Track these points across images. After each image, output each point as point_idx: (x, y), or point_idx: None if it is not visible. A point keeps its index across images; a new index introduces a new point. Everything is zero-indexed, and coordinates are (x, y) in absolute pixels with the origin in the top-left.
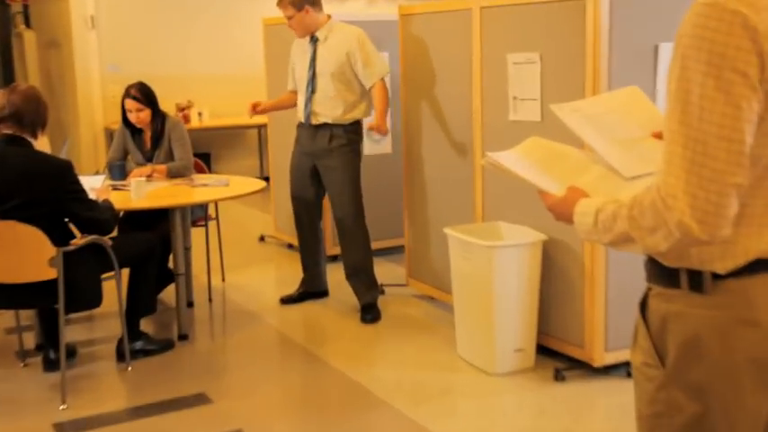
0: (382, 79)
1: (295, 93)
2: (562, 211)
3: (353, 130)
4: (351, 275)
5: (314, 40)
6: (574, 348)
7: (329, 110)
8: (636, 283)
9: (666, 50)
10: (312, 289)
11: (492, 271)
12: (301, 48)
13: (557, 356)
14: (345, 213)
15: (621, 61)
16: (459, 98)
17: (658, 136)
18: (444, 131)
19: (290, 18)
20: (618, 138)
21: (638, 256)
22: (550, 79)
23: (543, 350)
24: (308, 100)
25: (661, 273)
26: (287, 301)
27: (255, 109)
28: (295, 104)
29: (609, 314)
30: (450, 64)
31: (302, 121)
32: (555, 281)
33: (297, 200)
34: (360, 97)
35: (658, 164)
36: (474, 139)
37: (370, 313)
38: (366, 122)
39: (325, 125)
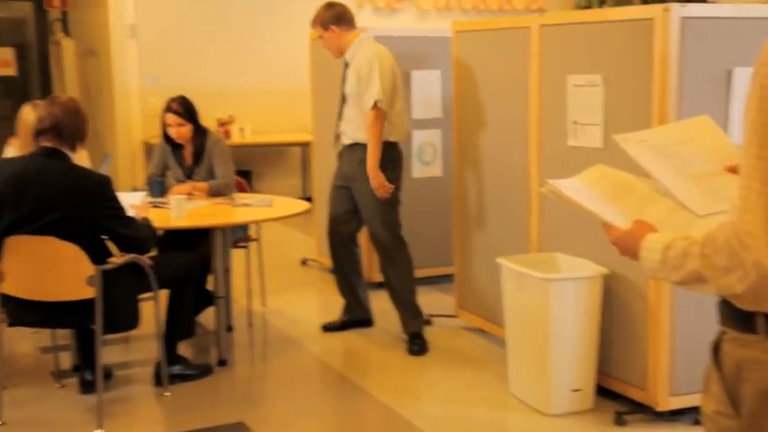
0: (376, 106)
1: None
2: (627, 246)
3: (387, 151)
4: (395, 301)
5: (345, 63)
6: (636, 391)
7: (354, 131)
8: (705, 323)
9: (741, 76)
10: (355, 317)
11: (548, 305)
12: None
13: (617, 398)
14: (380, 238)
15: (692, 86)
16: (515, 121)
17: (732, 170)
18: (498, 155)
19: (320, 38)
20: (689, 172)
21: (707, 295)
22: (614, 103)
23: (603, 391)
24: (338, 120)
25: (736, 316)
26: (330, 328)
27: None
28: None
29: (675, 355)
30: (507, 84)
31: (340, 140)
32: (616, 318)
33: (334, 217)
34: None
35: (733, 200)
36: (530, 164)
37: (415, 344)
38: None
39: (355, 146)
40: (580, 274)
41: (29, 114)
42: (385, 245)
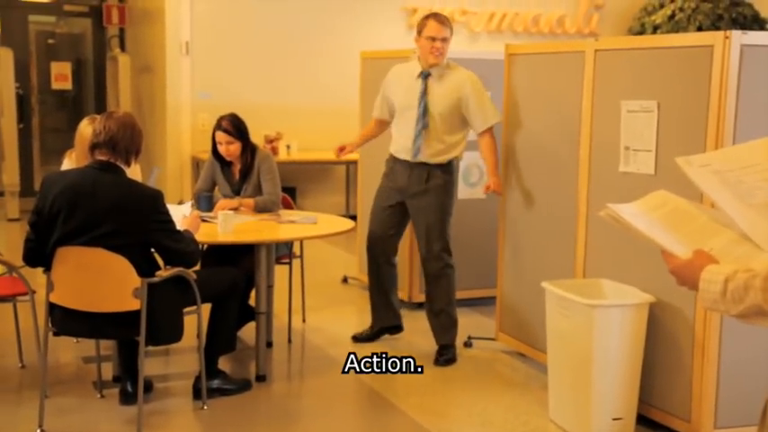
0: (491, 128)
1: (383, 121)
2: (686, 276)
3: (450, 171)
4: (431, 315)
5: (424, 76)
6: (679, 422)
7: (431, 149)
8: (753, 355)
9: None
10: (386, 324)
11: (592, 332)
12: (405, 79)
13: (659, 429)
14: (435, 253)
15: (749, 116)
16: (566, 144)
17: None
18: (547, 178)
19: (444, 41)
20: (753, 201)
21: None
22: (668, 130)
23: (644, 421)
24: (418, 136)
25: None
26: (360, 339)
27: (343, 151)
28: (381, 132)
29: (721, 387)
30: (559, 108)
31: (399, 156)
32: (661, 347)
33: (376, 235)
34: (459, 139)
35: None
36: (579, 188)
37: (444, 354)
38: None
39: (424, 164)
40: (626, 300)
41: (86, 128)
42: (440, 259)
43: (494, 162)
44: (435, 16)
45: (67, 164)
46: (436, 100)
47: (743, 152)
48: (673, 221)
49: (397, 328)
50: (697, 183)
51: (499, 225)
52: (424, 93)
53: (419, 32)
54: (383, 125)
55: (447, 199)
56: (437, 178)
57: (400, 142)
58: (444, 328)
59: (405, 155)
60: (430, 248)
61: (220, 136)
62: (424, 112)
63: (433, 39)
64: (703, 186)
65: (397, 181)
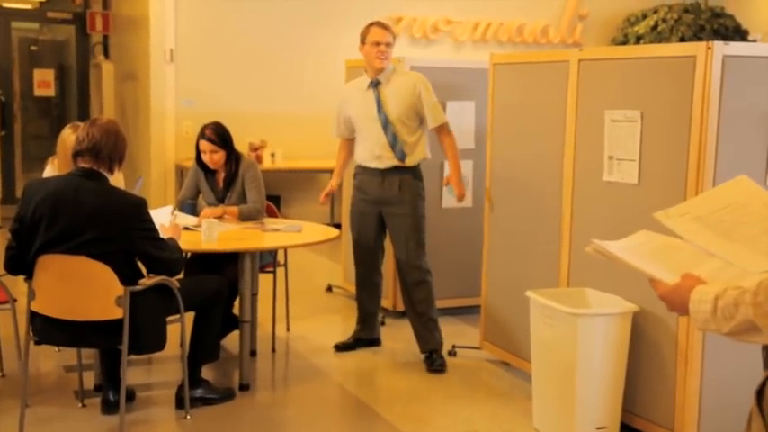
0: (446, 125)
1: (350, 140)
2: (676, 300)
3: (420, 175)
4: (416, 320)
5: (374, 84)
6: (662, 430)
7: (393, 154)
8: (737, 364)
9: None
10: (366, 336)
11: (576, 340)
12: (356, 93)
13: None
14: (412, 261)
15: (731, 125)
16: (550, 154)
17: None
18: (531, 188)
19: (388, 45)
20: (736, 237)
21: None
22: (651, 140)
23: (628, 430)
24: (395, 142)
25: None
26: (342, 348)
27: (328, 196)
28: (352, 151)
29: (704, 396)
30: (543, 117)
31: (369, 165)
32: (644, 356)
33: (362, 244)
34: (418, 138)
35: None
36: (563, 197)
37: (436, 360)
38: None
39: (395, 169)
40: (609, 310)
41: (69, 136)
42: (417, 266)
43: (456, 165)
44: (378, 23)
45: (50, 170)
46: (392, 106)
47: (719, 194)
48: (659, 254)
49: (376, 341)
50: (680, 233)
51: (485, 233)
52: (380, 101)
53: (363, 41)
54: (350, 143)
55: (421, 204)
56: (409, 185)
57: (366, 152)
58: (430, 331)
59: (374, 163)
60: (410, 256)
61: (204, 145)
62: (386, 119)
63: (378, 43)
64: (686, 235)
65: (369, 192)
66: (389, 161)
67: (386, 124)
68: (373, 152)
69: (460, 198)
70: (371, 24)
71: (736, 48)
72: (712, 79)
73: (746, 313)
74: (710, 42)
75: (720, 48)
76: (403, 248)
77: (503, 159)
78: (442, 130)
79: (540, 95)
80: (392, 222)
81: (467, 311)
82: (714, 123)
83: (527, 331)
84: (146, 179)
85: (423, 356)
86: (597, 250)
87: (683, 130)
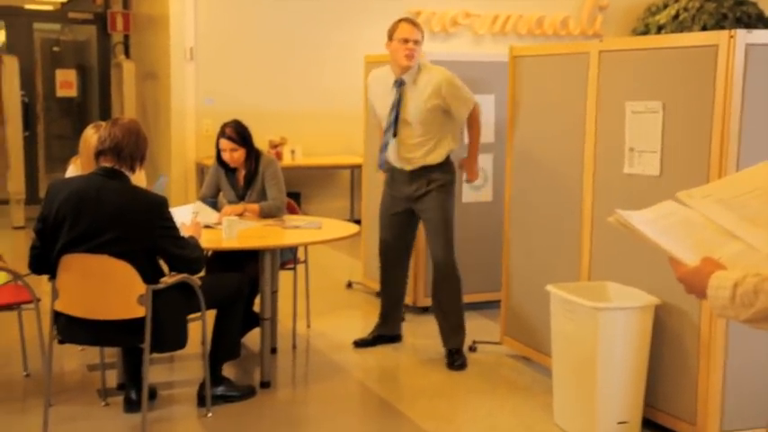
0: (476, 106)
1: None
2: (694, 283)
3: (449, 169)
4: (441, 316)
5: (399, 84)
6: (685, 425)
7: (420, 154)
8: (759, 357)
9: None
10: (387, 333)
11: (597, 335)
12: (381, 86)
13: None
14: (441, 257)
15: (755, 115)
16: (571, 147)
17: None
18: (552, 181)
19: (416, 43)
20: (762, 221)
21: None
22: (673, 131)
23: (649, 424)
24: (384, 147)
25: None
26: (361, 344)
27: None
28: None
29: (727, 389)
30: (563, 110)
31: (396, 165)
32: (666, 349)
33: (388, 242)
34: (444, 134)
35: None
36: (584, 190)
37: (457, 359)
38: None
39: (423, 169)
40: (631, 303)
41: (91, 136)
42: (446, 262)
43: (475, 148)
44: (407, 19)
45: (72, 170)
46: (412, 108)
47: (743, 179)
48: (681, 230)
49: (398, 338)
50: (703, 212)
51: (505, 227)
52: (398, 102)
53: (390, 36)
54: None
55: (448, 201)
56: (437, 180)
57: (392, 152)
58: (453, 329)
59: (400, 164)
60: (438, 251)
61: (224, 143)
62: (395, 120)
63: (406, 40)
64: (710, 214)
65: (399, 189)
66: (416, 162)
67: (390, 126)
68: (399, 153)
69: (472, 179)
70: (400, 21)
71: (759, 36)
72: (735, 68)
73: (766, 301)
74: (733, 31)
75: (743, 36)
76: (433, 243)
77: (523, 153)
78: (471, 115)
79: (560, 88)
80: (424, 218)
81: (487, 306)
82: (737, 113)
83: (548, 326)
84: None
85: (444, 352)
86: (619, 221)
87: (705, 121)
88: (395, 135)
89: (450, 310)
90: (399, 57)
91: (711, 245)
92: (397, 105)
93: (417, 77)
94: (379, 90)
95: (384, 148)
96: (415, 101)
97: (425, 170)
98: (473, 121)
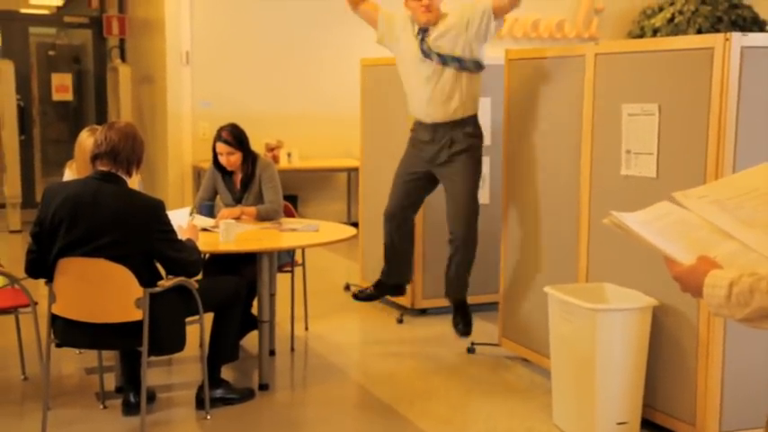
0: None
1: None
2: (690, 282)
3: (473, 133)
4: (449, 276)
5: (422, 31)
6: (684, 425)
7: (446, 105)
8: (758, 357)
9: None
10: (391, 281)
11: (595, 336)
12: (406, 33)
13: None
14: (465, 212)
15: (750, 117)
16: (567, 149)
17: None
18: (548, 183)
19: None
20: (757, 223)
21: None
22: (669, 133)
23: (649, 425)
24: (430, 100)
25: None
26: (361, 297)
27: None
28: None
29: (725, 389)
30: (560, 112)
31: (420, 119)
32: (665, 350)
33: (393, 211)
34: (471, 90)
35: None
36: (581, 192)
37: (465, 316)
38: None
39: (447, 125)
40: (629, 304)
41: (86, 139)
42: (461, 239)
43: None
44: None
45: (68, 174)
46: (438, 47)
47: (740, 180)
48: (676, 230)
49: (401, 289)
50: (698, 213)
51: (503, 229)
52: (428, 49)
53: None
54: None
55: (474, 166)
56: (462, 142)
57: (414, 104)
58: (461, 286)
59: (424, 117)
60: (456, 224)
61: (221, 147)
62: (443, 58)
63: None
64: (705, 215)
65: (422, 148)
66: (438, 116)
67: (422, 83)
68: (421, 106)
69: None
70: None
71: (754, 39)
72: (731, 71)
73: (761, 301)
74: (728, 34)
75: (738, 39)
76: (452, 218)
77: (519, 155)
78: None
79: (556, 91)
80: (446, 188)
81: (485, 308)
82: (733, 116)
83: (546, 327)
84: (163, 181)
85: (449, 304)
86: (614, 223)
87: (701, 123)
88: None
89: (461, 271)
90: (418, 15)
91: (707, 244)
92: (422, 44)
93: (438, 22)
94: (403, 36)
95: (429, 100)
96: (443, 41)
97: (451, 126)
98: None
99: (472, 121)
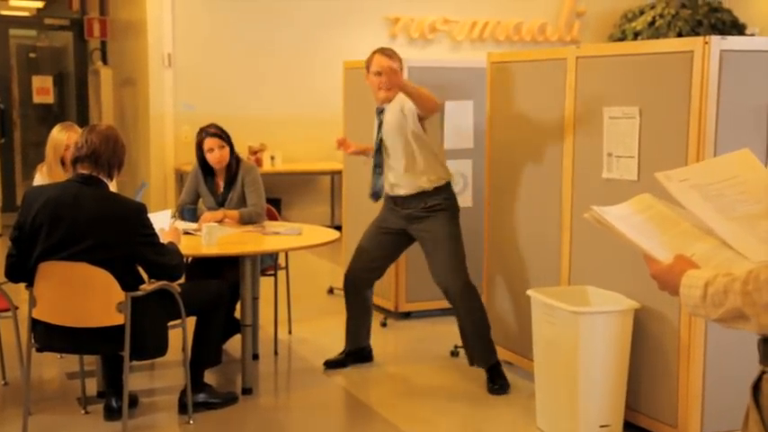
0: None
1: None
2: (667, 281)
3: (448, 195)
4: (466, 342)
5: (379, 112)
6: (666, 428)
7: (411, 180)
8: (738, 360)
9: None
10: (359, 345)
11: (578, 339)
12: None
13: None
14: (449, 285)
15: (730, 120)
16: (549, 152)
17: None
18: (531, 186)
19: (394, 75)
20: (735, 215)
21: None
22: (650, 136)
23: (631, 427)
24: (377, 177)
25: None
26: (331, 365)
27: (343, 144)
28: None
29: (707, 392)
30: (541, 116)
31: (389, 194)
32: (647, 353)
33: (355, 272)
34: (432, 161)
35: None
36: (563, 195)
37: (496, 381)
38: None
39: (418, 195)
40: (611, 307)
41: (58, 134)
42: (457, 291)
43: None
44: (380, 50)
45: (39, 179)
46: (388, 133)
47: (721, 165)
48: (656, 226)
49: (367, 352)
50: (678, 198)
51: (485, 233)
52: (380, 127)
53: (367, 69)
54: None
55: (452, 219)
56: (438, 204)
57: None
58: (486, 350)
59: (393, 192)
60: (445, 278)
61: (212, 142)
62: (379, 148)
63: (380, 74)
64: (684, 202)
65: (396, 210)
66: (405, 190)
67: (375, 154)
68: (388, 180)
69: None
70: (374, 52)
71: (733, 42)
72: (710, 74)
73: (735, 301)
74: (707, 37)
75: (717, 42)
76: (437, 269)
77: (502, 158)
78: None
79: (537, 94)
80: (423, 240)
81: None
82: (713, 118)
83: (529, 331)
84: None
85: (482, 372)
86: (595, 217)
87: (681, 126)
88: (378, 165)
89: (476, 334)
90: (376, 90)
91: (685, 241)
92: (379, 132)
93: (392, 105)
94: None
95: (376, 177)
96: (390, 127)
97: (422, 195)
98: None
99: (446, 187)
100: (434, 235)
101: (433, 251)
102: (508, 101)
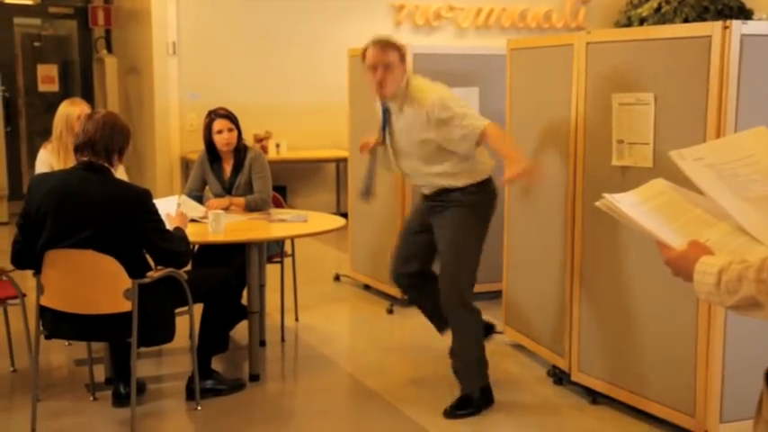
0: (484, 130)
1: None
2: (681, 267)
3: (473, 191)
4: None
5: (384, 111)
6: (684, 417)
7: (432, 180)
8: (757, 347)
9: None
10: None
11: None
12: (376, 105)
13: (663, 425)
14: (444, 287)
15: (751, 106)
16: (560, 139)
17: None
18: (546, 173)
19: (387, 68)
20: (749, 196)
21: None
22: (666, 123)
23: (648, 417)
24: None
25: None
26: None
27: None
28: None
29: (726, 380)
30: (552, 102)
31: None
32: (661, 340)
33: (397, 269)
34: (455, 164)
35: None
36: (576, 182)
37: (460, 408)
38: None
39: (442, 191)
40: None
41: (65, 108)
42: (445, 306)
43: (507, 151)
44: (373, 42)
45: (43, 154)
46: (399, 139)
47: (736, 143)
48: (669, 212)
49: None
50: (692, 178)
51: (506, 218)
52: (385, 129)
53: (364, 62)
54: None
55: (468, 218)
56: (460, 199)
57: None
58: (465, 375)
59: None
60: (441, 281)
61: (221, 123)
62: (398, 151)
63: (374, 68)
64: (698, 181)
65: (423, 210)
66: (433, 187)
67: (395, 154)
68: (410, 178)
69: (530, 182)
70: (368, 43)
71: (754, 27)
72: (731, 59)
73: (749, 289)
74: (728, 21)
75: (738, 27)
76: (439, 273)
77: (521, 145)
78: (483, 138)
79: (548, 80)
80: (436, 238)
81: (492, 296)
82: (733, 105)
83: (545, 317)
84: (151, 173)
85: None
86: (607, 205)
87: (699, 112)
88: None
89: (461, 355)
90: (371, 88)
91: (698, 227)
92: (385, 131)
93: (404, 106)
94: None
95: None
96: (400, 132)
97: (446, 191)
98: (492, 141)
99: (478, 184)
100: (442, 236)
101: (439, 252)
102: (522, 88)
